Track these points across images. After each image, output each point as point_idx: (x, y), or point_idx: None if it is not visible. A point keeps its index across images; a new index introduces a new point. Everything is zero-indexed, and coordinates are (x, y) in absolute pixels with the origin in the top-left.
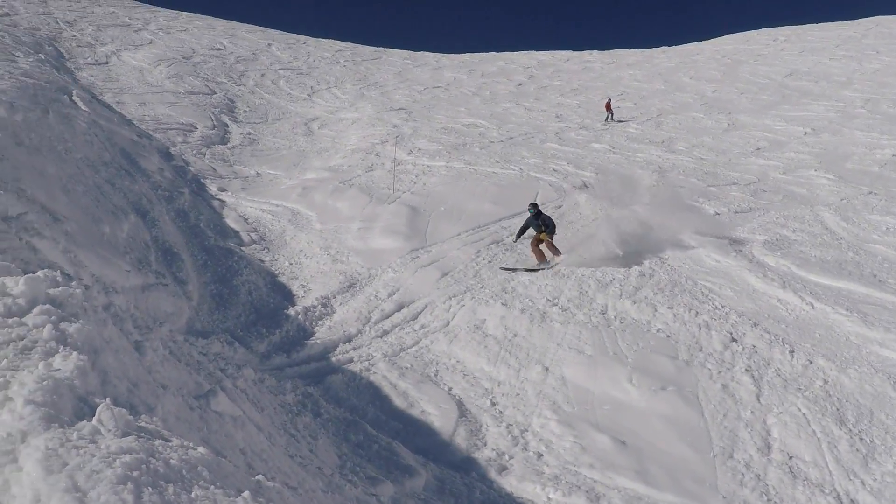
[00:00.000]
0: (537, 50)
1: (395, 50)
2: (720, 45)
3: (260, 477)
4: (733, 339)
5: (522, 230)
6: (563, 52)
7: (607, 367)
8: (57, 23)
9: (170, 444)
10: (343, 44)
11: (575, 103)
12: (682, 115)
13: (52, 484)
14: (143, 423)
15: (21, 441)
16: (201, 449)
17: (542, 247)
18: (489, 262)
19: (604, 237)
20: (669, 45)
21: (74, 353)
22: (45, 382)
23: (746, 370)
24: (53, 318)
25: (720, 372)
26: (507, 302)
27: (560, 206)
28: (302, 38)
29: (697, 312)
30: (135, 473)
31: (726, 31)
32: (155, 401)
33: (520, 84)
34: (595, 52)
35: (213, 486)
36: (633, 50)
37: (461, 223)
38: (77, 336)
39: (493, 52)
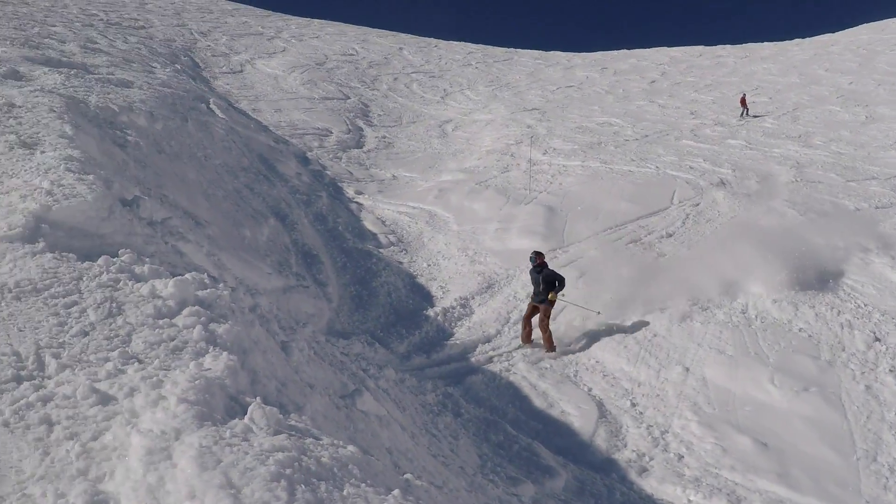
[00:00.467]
0: (669, 46)
1: (526, 50)
2: (855, 36)
3: (408, 475)
4: (877, 339)
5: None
6: (696, 48)
7: (748, 368)
8: (191, 34)
9: (320, 442)
10: (474, 46)
11: (709, 99)
12: (819, 109)
13: (207, 480)
14: (293, 422)
15: (175, 438)
16: (351, 447)
17: (537, 323)
18: (627, 261)
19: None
20: (803, 38)
21: (224, 353)
22: (197, 381)
23: (891, 371)
24: (203, 319)
25: (863, 373)
26: (647, 302)
27: (698, 205)
28: (433, 41)
29: (840, 311)
30: (288, 471)
31: (861, 20)
32: (303, 400)
33: (653, 81)
34: (728, 47)
35: (363, 484)
36: (766, 43)
37: (598, 223)
38: (226, 336)
39: (625, 50)
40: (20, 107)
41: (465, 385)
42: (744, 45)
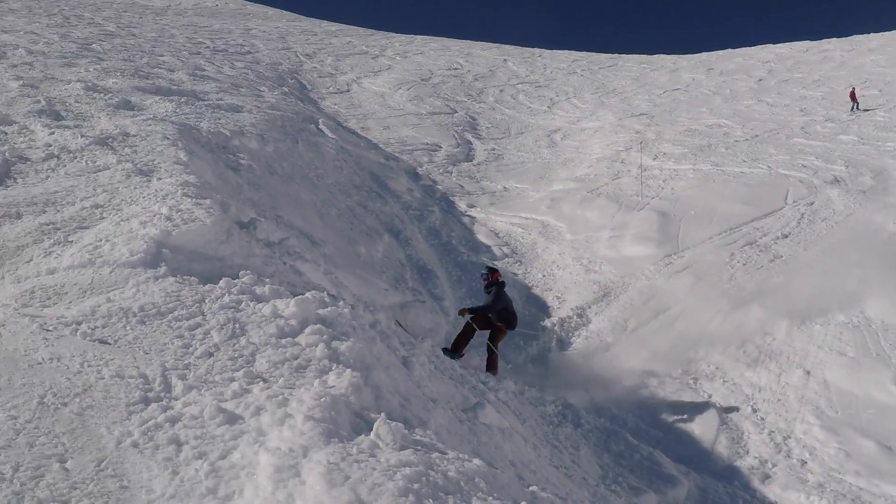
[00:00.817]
0: (774, 43)
1: (631, 55)
2: None
3: (534, 488)
4: None
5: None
6: (801, 43)
7: (871, 370)
8: (297, 56)
9: (446, 456)
10: (578, 53)
11: (818, 95)
12: None
13: (336, 497)
14: (417, 437)
15: (303, 456)
16: (476, 460)
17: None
18: (744, 264)
19: None
20: None
21: (348, 371)
22: (322, 399)
23: None
24: (325, 337)
25: None
26: (764, 304)
27: (812, 203)
28: (537, 50)
29: None
30: (415, 486)
31: None
32: (426, 414)
33: (760, 80)
34: (833, 41)
35: (490, 498)
36: (872, 35)
37: (712, 226)
38: (349, 354)
39: (730, 49)
40: (135, 135)
41: (585, 395)
42: (850, 37)
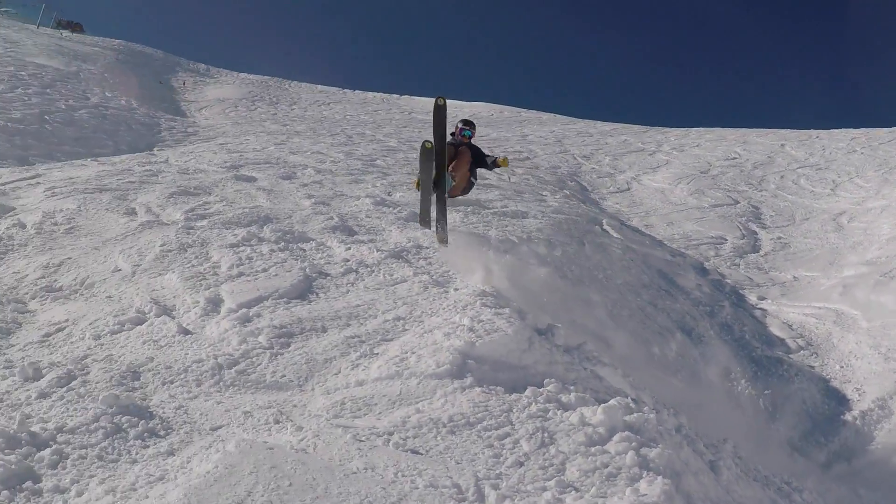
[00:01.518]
0: None
1: None
2: None
3: None
4: None
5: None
6: None
7: None
8: (574, 158)
9: None
10: (856, 131)
11: None
12: None
13: None
14: None
15: None
16: None
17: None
18: None
19: None
20: None
21: (659, 478)
22: None
23: None
24: (634, 444)
25: None
26: None
27: None
28: (814, 132)
29: None
30: None
31: None
32: None
33: None
34: None
35: None
36: None
37: None
38: (658, 461)
39: None
40: (427, 248)
41: (892, 492)
42: None
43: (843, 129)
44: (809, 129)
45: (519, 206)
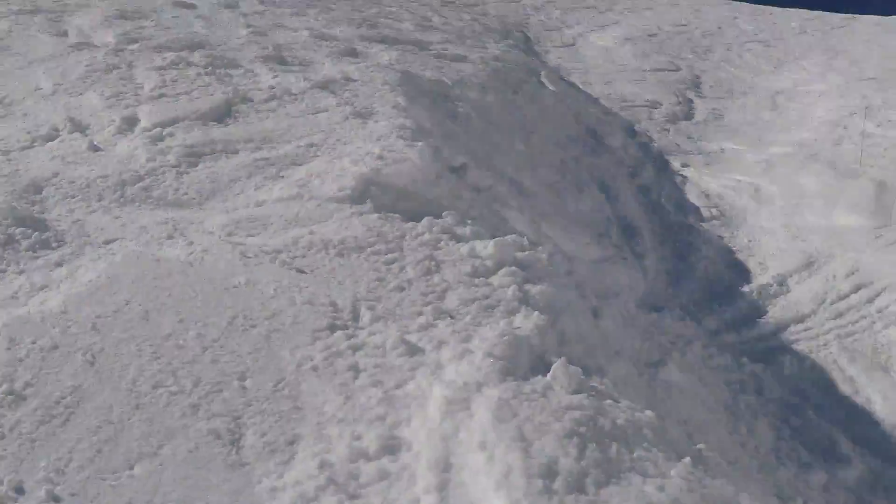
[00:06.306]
0: None
1: (865, 16)
2: None
3: (701, 446)
4: None
5: None
6: None
7: None
8: (524, 10)
9: (618, 405)
10: (811, 12)
11: None
12: None
13: (501, 431)
14: (594, 384)
15: (476, 390)
16: (648, 412)
17: None
18: None
19: None
20: None
21: (535, 313)
22: (505, 338)
23: None
24: (518, 279)
25: None
26: None
27: None
28: (768, 8)
29: None
30: (582, 429)
31: None
32: (607, 364)
33: None
34: None
35: (655, 449)
36: None
37: None
38: (539, 297)
39: None
40: (356, 80)
41: (772, 365)
42: None
43: (798, 9)
44: (766, 3)
45: (459, 50)
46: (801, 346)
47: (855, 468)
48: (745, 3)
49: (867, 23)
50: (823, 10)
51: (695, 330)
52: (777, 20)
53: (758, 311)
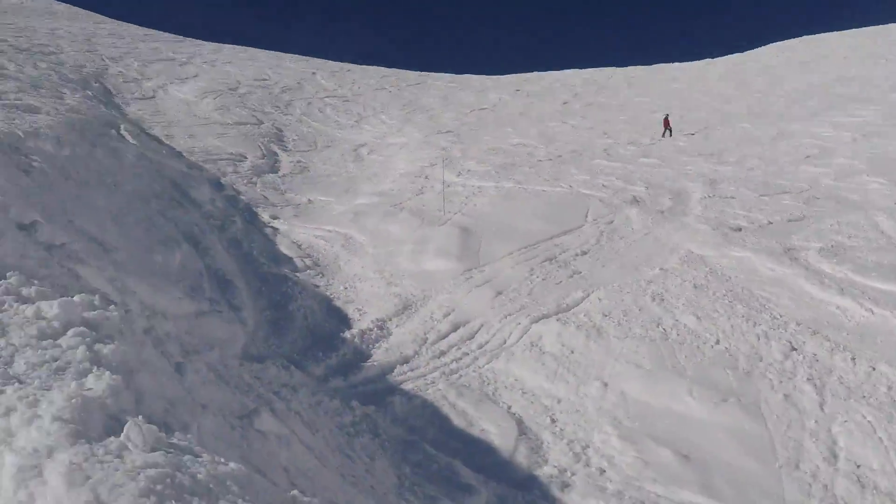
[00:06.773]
0: (581, 68)
1: (440, 74)
2: (762, 55)
3: (295, 492)
4: (793, 349)
5: None
6: (607, 70)
7: (667, 381)
8: (102, 59)
9: (199, 459)
10: (387, 70)
11: (621, 119)
12: (730, 127)
13: (75, 497)
14: (175, 440)
15: (47, 456)
16: (233, 464)
17: None
18: (543, 279)
19: None
20: (712, 57)
21: (107, 373)
22: (73, 400)
23: (808, 379)
24: (88, 339)
25: (781, 382)
26: (563, 318)
27: (612, 222)
28: (346, 65)
29: (756, 322)
30: (159, 487)
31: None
32: (192, 419)
33: (565, 102)
34: (639, 68)
35: (240, 500)
36: (676, 64)
37: (513, 242)
38: (111, 357)
39: (537, 72)
40: None
41: (384, 406)
42: (655, 66)
43: (374, 67)
44: (343, 61)
45: (33, 101)
46: (409, 386)
47: (480, 495)
48: (323, 60)
49: (442, 80)
50: (400, 68)
51: (300, 378)
52: (355, 76)
53: (362, 356)
